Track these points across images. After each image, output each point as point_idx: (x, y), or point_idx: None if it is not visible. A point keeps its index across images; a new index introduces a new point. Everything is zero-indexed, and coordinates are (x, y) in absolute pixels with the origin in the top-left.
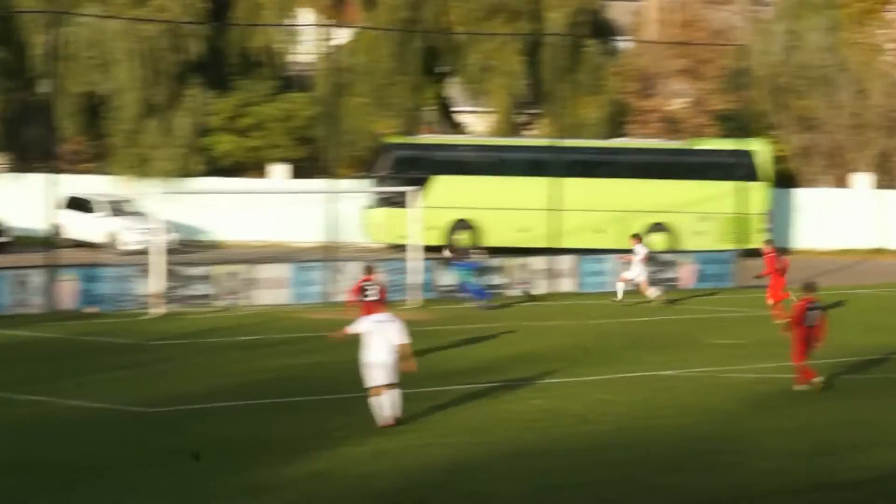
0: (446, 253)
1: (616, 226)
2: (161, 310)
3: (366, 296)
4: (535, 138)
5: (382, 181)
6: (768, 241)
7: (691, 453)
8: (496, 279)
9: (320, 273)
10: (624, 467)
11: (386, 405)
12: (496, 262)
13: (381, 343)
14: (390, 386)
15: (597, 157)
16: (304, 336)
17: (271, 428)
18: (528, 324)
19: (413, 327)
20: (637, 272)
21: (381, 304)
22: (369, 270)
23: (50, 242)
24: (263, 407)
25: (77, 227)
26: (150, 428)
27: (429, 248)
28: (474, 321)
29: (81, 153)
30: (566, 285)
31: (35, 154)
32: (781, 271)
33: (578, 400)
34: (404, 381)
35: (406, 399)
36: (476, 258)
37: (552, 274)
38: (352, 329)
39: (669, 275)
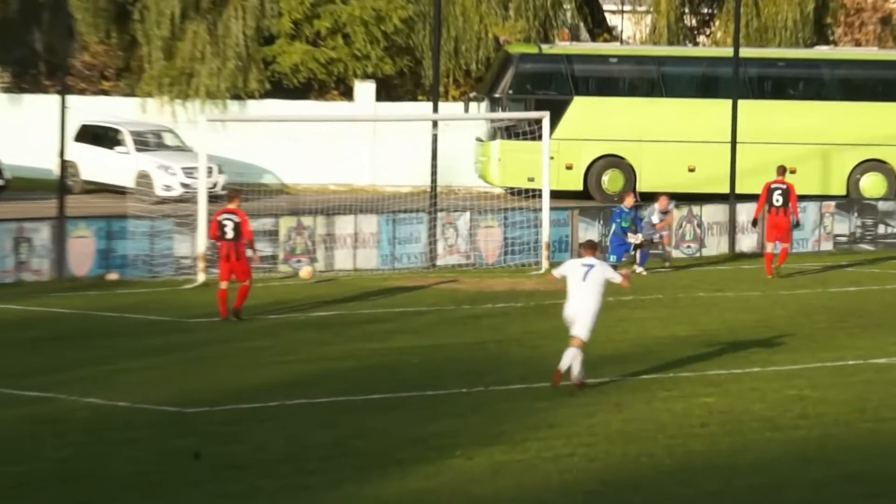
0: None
1: (816, 163)
2: (205, 276)
3: (223, 234)
4: (708, 48)
5: (504, 104)
6: None
7: None
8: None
9: (420, 227)
10: (830, 488)
11: (566, 359)
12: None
13: (581, 292)
14: (579, 341)
15: (791, 73)
16: (399, 311)
17: (355, 433)
18: (696, 295)
19: (543, 300)
20: None
21: (238, 244)
22: (231, 198)
23: (59, 186)
24: (343, 406)
25: (95, 165)
26: (193, 434)
27: (566, 195)
28: (624, 291)
29: (102, 68)
30: (748, 243)
31: (41, 69)
32: None
33: (764, 397)
34: (531, 375)
35: (532, 396)
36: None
37: (729, 228)
38: (556, 272)
39: (889, 228)
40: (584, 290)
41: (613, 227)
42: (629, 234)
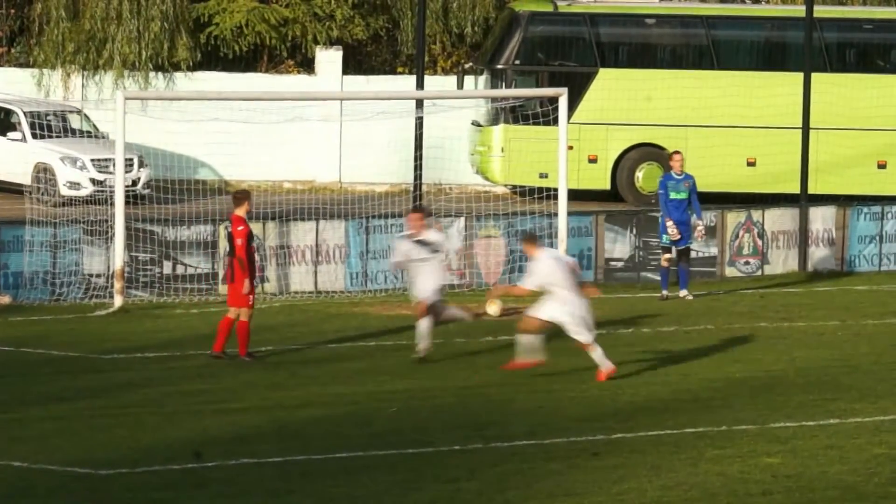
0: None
1: None
2: (123, 300)
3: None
4: (774, 6)
5: (509, 79)
6: None
7: None
8: (704, 246)
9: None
10: None
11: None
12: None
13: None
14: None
15: (880, 38)
16: (373, 346)
17: (315, 503)
18: (757, 325)
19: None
20: None
21: None
22: (238, 202)
23: None
24: (300, 467)
25: None
26: (108, 503)
27: (589, 195)
28: (662, 320)
29: None
30: (825, 258)
31: None
32: None
33: (844, 457)
34: (543, 428)
35: (544, 455)
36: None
37: (800, 239)
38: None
39: None
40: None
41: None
42: (696, 220)
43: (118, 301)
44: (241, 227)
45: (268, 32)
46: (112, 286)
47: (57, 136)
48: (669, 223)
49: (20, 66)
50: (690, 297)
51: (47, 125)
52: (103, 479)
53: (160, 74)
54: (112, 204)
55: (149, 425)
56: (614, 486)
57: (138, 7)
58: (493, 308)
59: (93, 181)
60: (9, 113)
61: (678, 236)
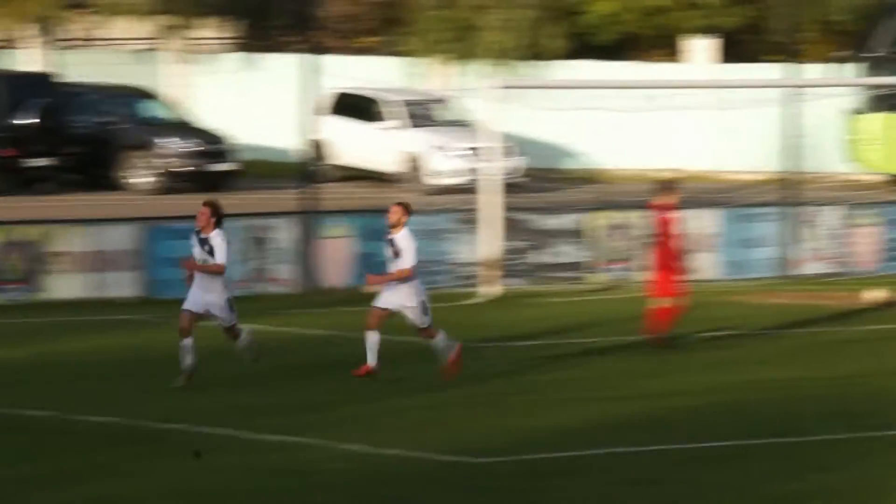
0: None
1: None
2: (497, 288)
3: None
4: None
5: (882, 67)
6: None
7: None
8: None
9: (775, 226)
10: None
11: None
12: None
13: None
14: None
15: None
16: (746, 335)
17: (686, 491)
18: None
19: None
20: None
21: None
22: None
23: (307, 173)
24: (671, 456)
25: (353, 145)
26: (485, 490)
27: None
28: None
29: (359, 20)
30: None
31: (283, 24)
32: None
33: None
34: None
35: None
36: None
37: None
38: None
39: None
40: None
41: None
42: None
43: (493, 289)
44: (671, 215)
45: (639, 21)
46: (482, 274)
47: (427, 125)
48: None
49: (391, 55)
50: None
51: (418, 114)
52: (477, 467)
53: (530, 63)
54: (482, 192)
55: (517, 413)
56: None
57: None
58: (874, 295)
59: (463, 170)
60: (380, 102)
61: None
